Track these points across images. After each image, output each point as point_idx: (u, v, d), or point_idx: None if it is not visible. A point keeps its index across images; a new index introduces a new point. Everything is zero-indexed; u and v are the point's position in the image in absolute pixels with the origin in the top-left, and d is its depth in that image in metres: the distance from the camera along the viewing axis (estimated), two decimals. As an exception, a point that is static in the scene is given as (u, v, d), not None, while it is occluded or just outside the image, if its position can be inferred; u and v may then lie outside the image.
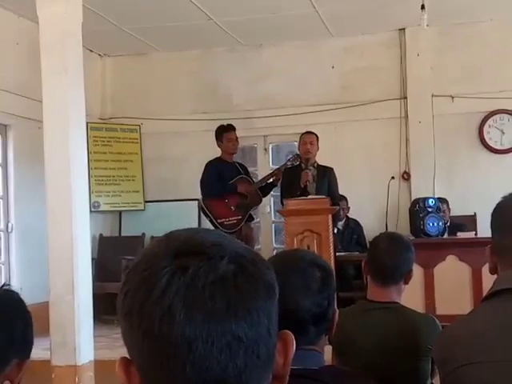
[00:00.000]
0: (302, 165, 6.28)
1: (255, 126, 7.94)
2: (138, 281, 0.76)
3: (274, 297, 0.78)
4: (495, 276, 1.71)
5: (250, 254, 0.79)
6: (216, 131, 6.79)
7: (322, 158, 6.46)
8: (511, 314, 1.57)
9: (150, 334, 0.73)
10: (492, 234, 1.76)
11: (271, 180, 6.73)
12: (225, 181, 6.57)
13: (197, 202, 7.59)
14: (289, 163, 6.58)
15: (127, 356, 0.79)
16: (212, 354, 0.72)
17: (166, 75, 8.32)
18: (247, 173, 6.90)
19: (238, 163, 6.90)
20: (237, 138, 6.76)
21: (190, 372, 0.72)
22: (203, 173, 6.65)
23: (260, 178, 7.10)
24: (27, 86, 6.43)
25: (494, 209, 1.75)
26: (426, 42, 7.60)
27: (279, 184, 6.64)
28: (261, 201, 6.83)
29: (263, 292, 0.76)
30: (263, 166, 8.02)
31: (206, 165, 6.69)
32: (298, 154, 6.57)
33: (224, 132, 6.71)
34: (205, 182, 6.61)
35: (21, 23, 6.71)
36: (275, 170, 6.83)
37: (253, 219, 6.92)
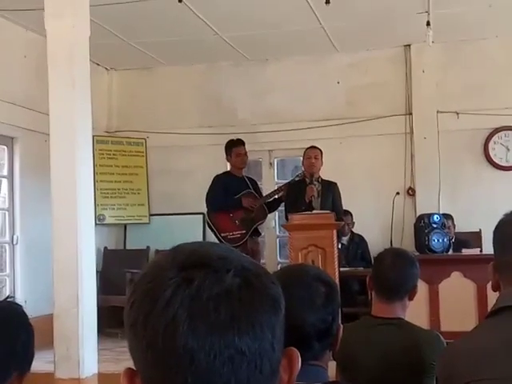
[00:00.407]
0: (307, 179, 6.29)
1: (260, 140, 7.96)
2: (144, 292, 0.77)
3: (279, 311, 0.78)
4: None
5: (255, 268, 0.79)
6: (226, 146, 6.82)
7: (326, 173, 6.47)
8: (512, 331, 1.57)
9: (154, 344, 0.73)
10: (494, 251, 1.76)
11: (278, 196, 6.74)
12: (231, 195, 6.58)
13: (202, 215, 7.60)
14: (297, 179, 6.60)
15: (133, 367, 0.79)
16: (214, 367, 0.72)
17: (171, 89, 8.36)
18: (256, 187, 6.91)
19: (247, 177, 6.92)
20: (246, 152, 6.81)
21: (192, 381, 0.73)
22: (210, 186, 6.68)
23: (266, 192, 7.11)
24: (34, 98, 6.47)
25: (496, 226, 1.75)
26: (432, 59, 7.63)
27: (285, 199, 6.64)
28: (266, 216, 6.84)
29: (268, 306, 0.76)
30: (268, 181, 8.03)
31: (214, 178, 6.73)
32: (303, 170, 6.60)
33: (233, 147, 6.75)
34: (210, 196, 6.64)
35: (29, 36, 6.76)
36: (282, 185, 6.84)
37: (259, 234, 6.92)
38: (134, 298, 0.77)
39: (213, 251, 0.79)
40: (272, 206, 6.85)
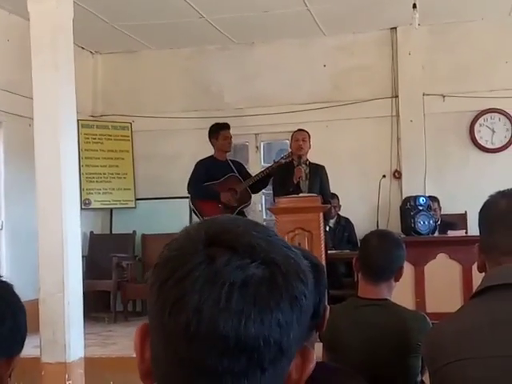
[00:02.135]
0: (294, 162, 6.29)
1: (247, 124, 7.93)
2: (167, 258, 0.75)
3: (298, 313, 0.74)
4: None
5: (285, 264, 0.74)
6: (211, 128, 6.79)
7: (313, 156, 6.47)
8: (499, 310, 1.58)
9: (162, 314, 0.72)
10: (480, 232, 1.77)
11: (262, 177, 6.71)
12: (215, 179, 6.56)
13: (188, 199, 7.58)
14: (282, 160, 6.58)
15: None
16: (211, 355, 0.70)
17: (157, 73, 8.31)
18: (241, 169, 6.88)
19: (231, 160, 6.89)
20: (231, 136, 6.80)
21: (188, 366, 0.72)
22: (192, 172, 6.67)
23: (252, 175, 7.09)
24: (18, 82, 6.40)
25: (482, 207, 1.76)
26: (418, 41, 7.62)
27: (271, 182, 6.64)
28: (250, 199, 6.82)
29: (285, 306, 0.72)
30: (254, 164, 8.01)
31: (196, 163, 6.71)
32: (291, 152, 6.58)
33: (220, 130, 6.73)
34: (191, 182, 6.64)
35: (11, 19, 6.68)
36: (268, 167, 6.81)
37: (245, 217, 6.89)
38: (159, 261, 0.76)
39: (246, 235, 0.75)
40: (257, 187, 6.82)
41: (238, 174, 6.72)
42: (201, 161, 6.73)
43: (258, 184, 6.74)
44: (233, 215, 0.82)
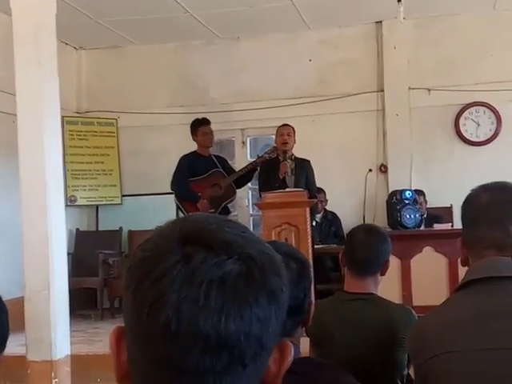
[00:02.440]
0: (280, 157, 6.28)
1: (232, 119, 7.92)
2: (141, 259, 0.74)
3: (276, 307, 0.74)
4: (469, 267, 1.73)
5: (261, 259, 0.74)
6: (191, 125, 6.74)
7: (299, 151, 6.47)
8: (483, 303, 1.59)
9: (139, 316, 0.72)
10: (462, 226, 1.78)
11: (247, 171, 6.68)
12: (198, 175, 6.52)
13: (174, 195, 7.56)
14: (266, 155, 6.56)
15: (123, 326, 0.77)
16: (192, 354, 0.70)
17: (142, 68, 8.27)
18: (225, 165, 6.85)
19: (214, 155, 6.85)
20: (212, 131, 6.72)
21: (168, 366, 0.71)
22: (176, 167, 6.62)
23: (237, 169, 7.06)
24: (1, 79, 6.34)
25: (464, 201, 1.77)
26: (403, 35, 7.63)
27: (257, 176, 6.62)
28: (235, 194, 6.79)
29: (263, 301, 0.72)
30: (241, 160, 8.00)
31: (180, 159, 6.65)
32: (275, 147, 6.57)
33: (199, 126, 6.67)
34: (174, 179, 6.58)
35: (-6, 15, 6.61)
36: (251, 162, 6.78)
37: (229, 212, 6.88)
38: (133, 262, 0.75)
39: (219, 232, 0.75)
40: (241, 182, 6.79)
41: (221, 169, 6.69)
42: (184, 156, 6.68)
43: (242, 179, 6.71)
44: (205, 213, 0.81)
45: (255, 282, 0.72)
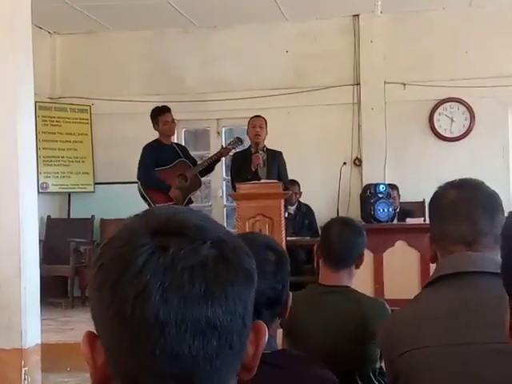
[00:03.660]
0: (252, 149, 6.28)
1: (208, 109, 7.89)
2: (114, 256, 0.73)
3: (252, 286, 0.77)
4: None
5: (231, 240, 0.77)
6: (151, 114, 6.54)
7: (274, 143, 6.47)
8: (452, 299, 1.60)
9: (122, 312, 0.71)
10: (430, 222, 1.79)
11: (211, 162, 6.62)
12: (162, 164, 6.36)
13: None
14: (230, 146, 6.54)
15: (93, 331, 0.76)
16: (184, 340, 0.71)
17: (117, 55, 8.19)
18: (186, 154, 6.73)
19: (176, 144, 6.77)
20: (173, 119, 6.56)
21: (159, 357, 0.71)
22: (140, 157, 6.42)
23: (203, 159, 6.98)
24: (-27, 62, 6.23)
25: (431, 198, 1.79)
26: (380, 29, 7.66)
27: (229, 167, 6.59)
28: (200, 185, 6.74)
29: (241, 280, 0.75)
30: (216, 150, 7.94)
31: (143, 148, 6.45)
32: (238, 138, 6.57)
33: (159, 115, 6.47)
34: (141, 169, 6.39)
35: (-33, -3, 6.48)
36: (216, 153, 6.70)
37: (192, 202, 6.73)
38: (103, 261, 0.74)
39: (189, 219, 0.76)
40: (204, 173, 6.68)
41: (185, 159, 6.60)
42: (147, 145, 6.47)
43: (205, 169, 6.63)
44: (166, 205, 0.82)
45: (231, 263, 0.74)
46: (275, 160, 6.34)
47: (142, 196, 6.42)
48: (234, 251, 0.76)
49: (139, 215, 0.78)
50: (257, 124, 6.31)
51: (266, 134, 6.37)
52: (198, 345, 0.71)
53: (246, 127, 6.51)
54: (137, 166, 6.49)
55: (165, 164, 6.39)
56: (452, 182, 1.77)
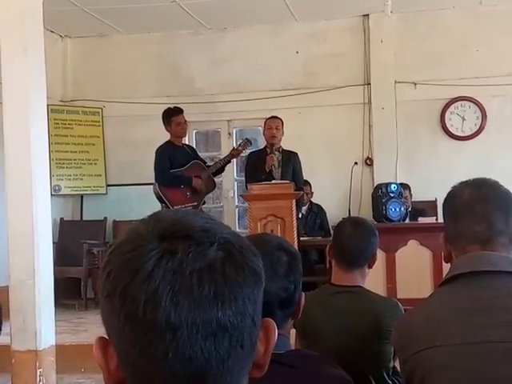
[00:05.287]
0: (267, 149, 6.28)
1: (219, 110, 7.90)
2: (123, 262, 0.74)
3: (260, 285, 0.78)
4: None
5: (238, 241, 0.77)
6: (163, 115, 6.54)
7: (286, 143, 6.47)
8: (467, 298, 1.60)
9: (133, 317, 0.72)
10: (444, 222, 1.78)
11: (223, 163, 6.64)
12: (176, 166, 6.38)
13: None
14: (240, 148, 6.56)
15: (105, 336, 0.77)
16: (196, 342, 0.71)
17: (128, 58, 8.22)
18: (196, 155, 6.74)
19: (186, 146, 6.78)
20: (185, 120, 6.55)
21: (172, 359, 0.72)
22: (155, 160, 6.43)
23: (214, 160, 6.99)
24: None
25: (446, 198, 1.78)
26: (390, 29, 7.64)
27: (243, 168, 6.60)
28: (215, 186, 6.77)
29: (250, 280, 0.75)
30: (227, 151, 7.96)
31: (157, 151, 6.46)
32: (247, 139, 6.58)
33: (172, 116, 6.47)
34: (159, 171, 6.41)
35: (-21, 2, 6.53)
36: (228, 155, 6.72)
37: (204, 203, 6.75)
38: (111, 268, 0.75)
39: (195, 222, 0.77)
40: (216, 174, 6.72)
41: (198, 160, 6.62)
42: (160, 148, 6.49)
43: (216, 171, 6.65)
44: (171, 209, 0.83)
45: (239, 264, 0.75)
46: (290, 161, 6.33)
47: (159, 198, 6.44)
48: (241, 251, 0.76)
49: (145, 220, 0.79)
50: (273, 126, 6.31)
51: (283, 134, 6.37)
52: (210, 346, 0.72)
53: (262, 128, 6.51)
54: (149, 167, 6.51)
55: (179, 165, 6.42)
56: (466, 181, 1.76)
